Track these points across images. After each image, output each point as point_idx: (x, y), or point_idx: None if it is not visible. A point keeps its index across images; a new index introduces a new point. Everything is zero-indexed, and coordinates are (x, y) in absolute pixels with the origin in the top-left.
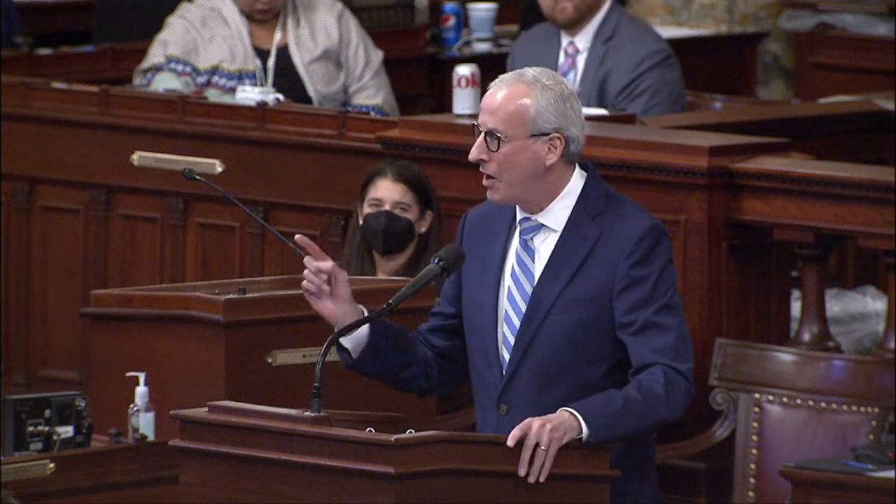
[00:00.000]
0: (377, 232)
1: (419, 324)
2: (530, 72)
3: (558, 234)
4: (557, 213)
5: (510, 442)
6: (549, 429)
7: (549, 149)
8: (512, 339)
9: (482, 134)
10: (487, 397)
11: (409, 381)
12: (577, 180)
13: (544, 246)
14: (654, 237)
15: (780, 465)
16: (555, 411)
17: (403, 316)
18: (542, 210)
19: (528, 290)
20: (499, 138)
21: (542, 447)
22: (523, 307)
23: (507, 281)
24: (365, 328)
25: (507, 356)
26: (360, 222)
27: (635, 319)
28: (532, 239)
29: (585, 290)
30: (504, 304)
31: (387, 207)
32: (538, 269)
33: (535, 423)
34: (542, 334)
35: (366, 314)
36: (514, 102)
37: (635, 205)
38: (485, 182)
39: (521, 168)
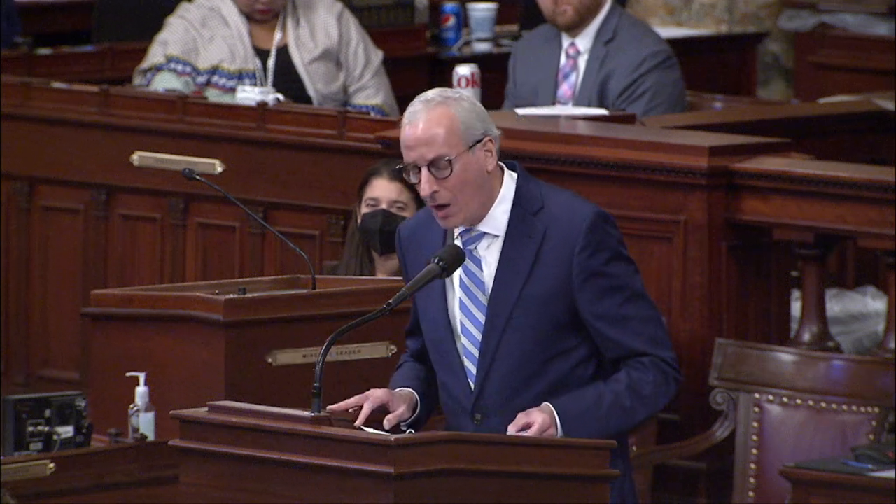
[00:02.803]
0: (374, 231)
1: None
2: (431, 94)
3: (502, 239)
4: (497, 219)
5: (512, 428)
6: (545, 431)
7: (485, 153)
8: (475, 351)
9: (424, 169)
10: (459, 406)
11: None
12: (508, 183)
13: (489, 252)
14: (602, 224)
15: (780, 465)
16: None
17: (403, 316)
18: (481, 219)
19: (483, 299)
20: (448, 161)
21: (532, 433)
22: (481, 317)
23: (458, 292)
24: (417, 404)
25: (472, 367)
26: (358, 222)
27: (607, 310)
28: (476, 248)
29: (543, 288)
30: (458, 315)
31: (383, 206)
32: (488, 276)
33: (540, 421)
34: (506, 340)
35: (416, 395)
36: (441, 123)
37: (572, 194)
38: (439, 214)
39: (471, 183)
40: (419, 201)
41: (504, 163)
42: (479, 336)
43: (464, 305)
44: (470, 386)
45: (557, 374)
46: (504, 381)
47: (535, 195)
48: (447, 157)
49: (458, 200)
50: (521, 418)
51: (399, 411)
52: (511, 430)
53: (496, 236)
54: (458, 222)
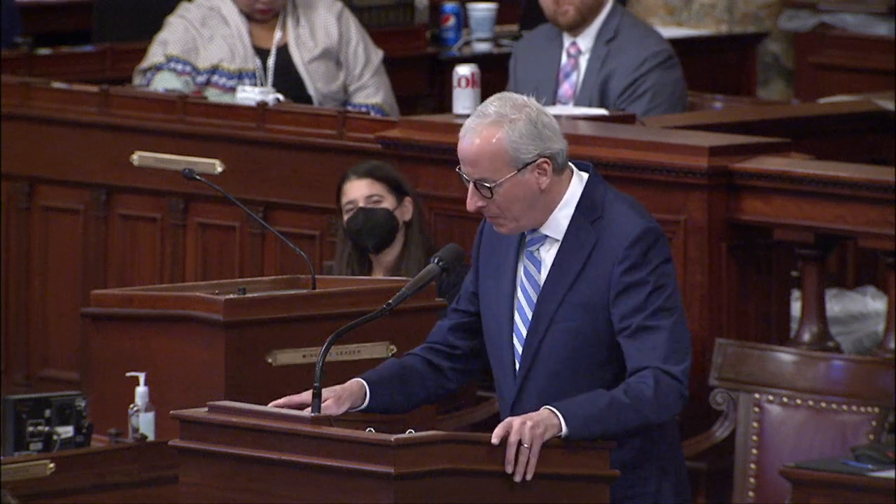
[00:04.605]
0: (360, 230)
1: (419, 323)
2: (491, 108)
3: (559, 243)
4: (559, 222)
5: (494, 440)
6: (529, 426)
7: (538, 174)
8: (521, 350)
9: (471, 183)
10: (504, 404)
11: (424, 403)
12: (575, 186)
13: (548, 256)
14: (646, 240)
15: (780, 465)
16: None
17: (403, 316)
18: (543, 223)
19: (535, 300)
20: (488, 186)
21: (525, 444)
22: (530, 317)
23: (518, 293)
24: (366, 398)
25: (518, 366)
26: (345, 230)
27: (629, 324)
28: (538, 250)
29: (585, 297)
30: (515, 315)
31: (361, 205)
32: (543, 278)
33: (517, 421)
34: (547, 343)
35: (366, 386)
36: (490, 147)
37: (632, 205)
38: (490, 220)
39: (519, 201)
40: (395, 191)
41: (577, 164)
42: (525, 335)
43: (520, 306)
44: (514, 385)
45: (596, 383)
46: (543, 384)
47: (596, 203)
48: (489, 183)
49: (507, 215)
50: (498, 429)
51: (326, 404)
52: (499, 430)
53: (556, 240)
54: (509, 231)
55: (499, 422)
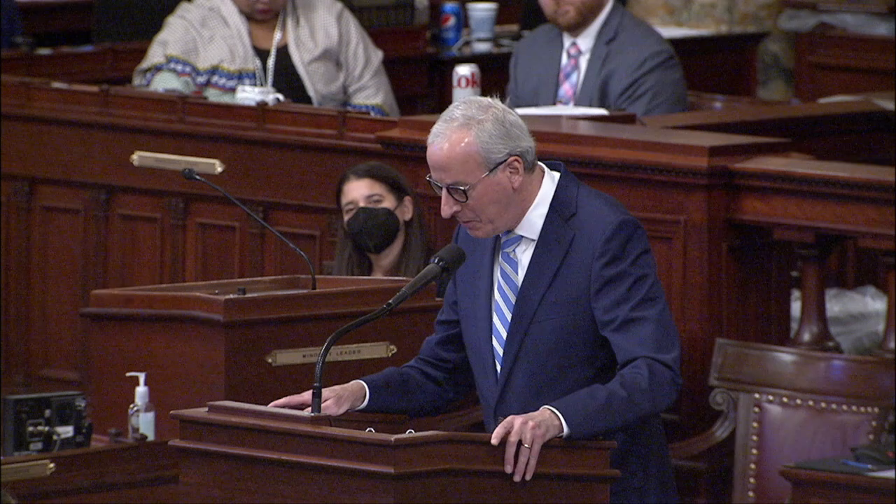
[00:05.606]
0: (361, 231)
1: (419, 323)
2: (457, 112)
3: (535, 243)
4: (533, 222)
5: (494, 440)
6: (531, 426)
7: (510, 173)
8: (502, 351)
9: (444, 189)
10: (487, 406)
11: (425, 410)
12: (548, 185)
13: (525, 256)
14: (623, 233)
15: (780, 465)
16: None
17: (404, 316)
18: (517, 224)
19: (513, 300)
20: (462, 190)
21: (526, 445)
22: (510, 318)
23: (496, 294)
24: (366, 399)
25: (500, 367)
26: (346, 230)
27: (615, 317)
28: (514, 251)
29: (564, 294)
30: (494, 317)
31: (361, 205)
32: (521, 279)
33: (518, 420)
34: (528, 343)
35: (366, 387)
36: (459, 150)
37: (606, 200)
38: (465, 226)
39: (494, 203)
40: (395, 191)
41: (548, 163)
42: (505, 337)
43: (498, 307)
44: (497, 385)
45: (578, 381)
46: (525, 383)
47: (570, 200)
48: (462, 186)
49: (482, 218)
50: (499, 428)
51: (326, 404)
52: (499, 429)
53: (532, 239)
54: (485, 234)
55: (485, 424)
